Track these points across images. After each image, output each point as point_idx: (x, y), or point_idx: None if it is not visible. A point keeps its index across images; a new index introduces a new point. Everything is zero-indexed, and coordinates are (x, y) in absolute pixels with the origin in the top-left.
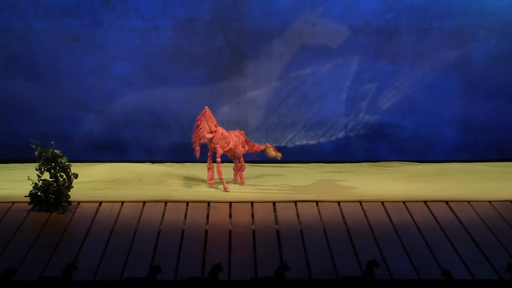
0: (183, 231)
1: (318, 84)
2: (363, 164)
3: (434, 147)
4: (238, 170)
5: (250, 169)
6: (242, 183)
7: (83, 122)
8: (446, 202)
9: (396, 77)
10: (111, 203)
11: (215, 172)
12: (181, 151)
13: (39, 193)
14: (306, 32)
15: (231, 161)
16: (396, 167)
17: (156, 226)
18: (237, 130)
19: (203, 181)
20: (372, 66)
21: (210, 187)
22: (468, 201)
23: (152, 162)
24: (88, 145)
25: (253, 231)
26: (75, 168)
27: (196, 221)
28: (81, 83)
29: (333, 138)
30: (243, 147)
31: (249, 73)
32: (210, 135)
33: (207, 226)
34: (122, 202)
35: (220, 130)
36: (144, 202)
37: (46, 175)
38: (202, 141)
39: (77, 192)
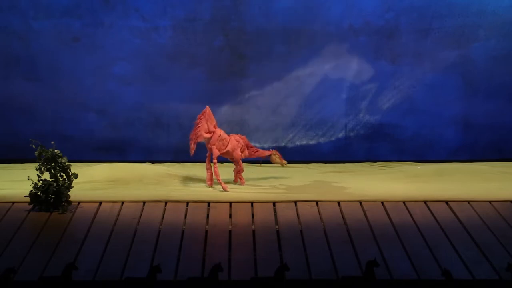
0: (183, 231)
1: (318, 84)
2: (363, 164)
3: (434, 147)
4: (237, 172)
5: (250, 169)
6: (242, 184)
7: (83, 122)
8: (446, 202)
9: (396, 77)
10: (111, 203)
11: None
12: (181, 151)
13: (39, 193)
14: (306, 32)
15: (231, 162)
16: (396, 167)
17: (156, 226)
18: (238, 134)
19: (203, 181)
20: (372, 66)
21: (209, 188)
22: (468, 201)
23: (152, 162)
24: (88, 145)
25: (253, 231)
26: (75, 168)
27: (196, 221)
28: (81, 83)
29: (333, 138)
30: (242, 151)
31: (249, 73)
32: (207, 135)
33: (207, 226)
34: (122, 202)
35: (219, 131)
36: (144, 202)
37: (46, 175)
38: (199, 140)
39: (77, 192)
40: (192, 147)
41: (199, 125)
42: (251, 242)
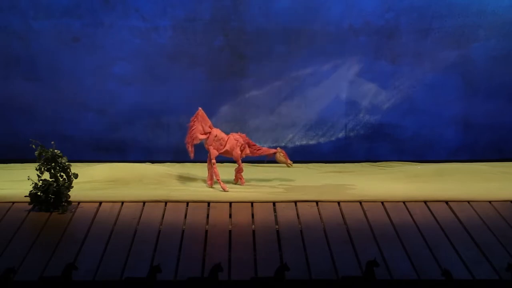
0: (183, 231)
1: (318, 84)
2: (363, 164)
3: (434, 147)
4: (237, 171)
5: (250, 169)
6: (242, 183)
7: (83, 122)
8: (446, 202)
9: (396, 77)
10: (111, 203)
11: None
12: (181, 151)
13: (39, 193)
14: (306, 32)
15: (231, 161)
16: (396, 167)
17: (156, 226)
18: (238, 133)
19: (203, 181)
20: (372, 66)
21: (210, 187)
22: (468, 201)
23: (152, 162)
24: (88, 145)
25: (253, 231)
26: (75, 168)
27: (196, 221)
28: (81, 83)
29: (333, 138)
30: (242, 150)
31: (249, 73)
32: (203, 136)
33: (207, 226)
34: (122, 202)
35: (215, 131)
36: (144, 202)
37: (46, 175)
38: (195, 142)
39: (77, 192)
40: (190, 150)
41: (193, 128)
42: (251, 242)
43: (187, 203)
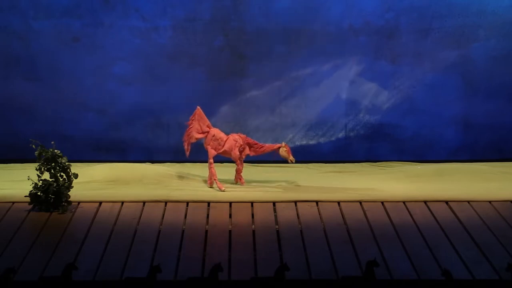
0: (183, 231)
1: (318, 84)
2: (363, 164)
3: (434, 147)
4: (236, 172)
5: (250, 169)
6: (241, 184)
7: (83, 122)
8: (446, 202)
9: (396, 77)
10: (111, 203)
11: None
12: (181, 151)
13: (39, 193)
14: (306, 32)
15: (231, 161)
16: (396, 167)
17: (156, 226)
18: (238, 134)
19: (203, 181)
20: (372, 66)
21: (209, 187)
22: (468, 201)
23: (152, 162)
24: (88, 145)
25: (253, 231)
26: (75, 168)
27: (196, 221)
28: (81, 83)
29: (333, 138)
30: (241, 151)
31: (249, 73)
32: (200, 135)
33: (207, 226)
34: (122, 202)
35: (213, 131)
36: (144, 202)
37: (46, 175)
38: (191, 141)
39: (77, 192)
40: (186, 148)
41: (190, 126)
42: (251, 242)
43: (187, 203)
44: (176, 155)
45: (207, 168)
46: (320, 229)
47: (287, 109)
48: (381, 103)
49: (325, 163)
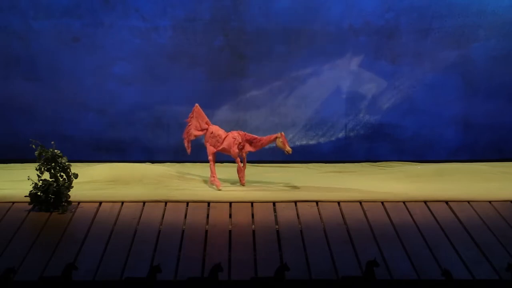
0: (183, 231)
1: (318, 84)
2: (363, 164)
3: (434, 147)
4: (238, 171)
5: (250, 169)
6: (241, 184)
7: (83, 122)
8: (446, 202)
9: (396, 77)
10: (111, 203)
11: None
12: (181, 151)
13: (39, 193)
14: (306, 32)
15: (232, 161)
16: (396, 167)
17: (156, 226)
18: (238, 131)
19: (203, 181)
20: (372, 66)
21: (211, 184)
22: (468, 201)
23: (152, 162)
24: (88, 145)
25: (253, 231)
26: (75, 168)
27: (196, 221)
28: (81, 83)
29: (333, 138)
30: (241, 148)
31: (249, 73)
32: (199, 133)
33: (207, 226)
34: (122, 202)
35: (212, 128)
36: (144, 202)
37: (46, 175)
38: (190, 138)
39: (77, 192)
40: (187, 145)
41: (189, 124)
42: (251, 242)
43: (187, 203)
44: (176, 155)
45: (206, 168)
46: (320, 229)
47: (287, 109)
48: (381, 103)
49: (325, 163)
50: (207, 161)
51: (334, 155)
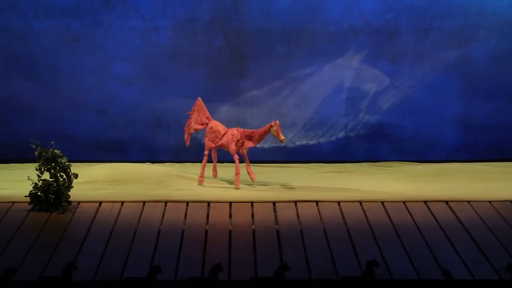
0: (183, 231)
1: (318, 84)
2: (363, 164)
3: (434, 147)
4: (236, 172)
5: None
6: (236, 185)
7: (83, 122)
8: (446, 202)
9: (396, 77)
10: (111, 203)
11: (216, 165)
12: (181, 151)
13: (39, 193)
14: (306, 32)
15: (232, 162)
16: (396, 167)
17: (156, 226)
18: (237, 128)
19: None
20: (372, 66)
21: (215, 179)
22: (468, 201)
23: (152, 162)
24: (88, 145)
25: (253, 231)
26: (75, 168)
27: (196, 221)
28: (81, 83)
29: (333, 138)
30: (240, 145)
31: (249, 73)
32: (199, 126)
33: (207, 226)
34: (122, 202)
35: (211, 123)
36: (144, 202)
37: (46, 175)
38: (190, 131)
39: (77, 192)
40: (186, 138)
41: (191, 117)
42: (251, 242)
43: (187, 203)
44: (176, 155)
45: (211, 166)
46: (320, 229)
47: (287, 109)
48: (381, 103)
49: (325, 163)
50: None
51: (334, 155)
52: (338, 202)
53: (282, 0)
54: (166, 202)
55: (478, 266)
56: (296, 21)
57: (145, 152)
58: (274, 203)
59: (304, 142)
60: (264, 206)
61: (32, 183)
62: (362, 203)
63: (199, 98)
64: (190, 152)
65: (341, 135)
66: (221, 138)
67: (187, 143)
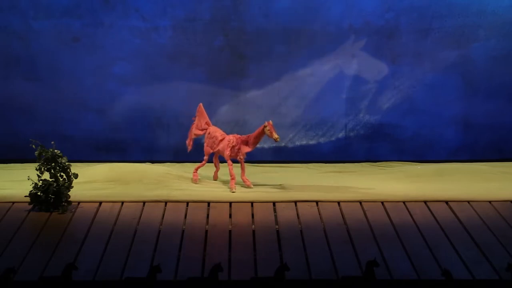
0: (183, 231)
1: (318, 84)
2: (363, 164)
3: (434, 147)
4: (232, 175)
5: (250, 169)
6: (230, 187)
7: (83, 122)
8: (446, 202)
9: (396, 77)
10: (111, 203)
11: (217, 171)
12: (181, 151)
13: (39, 193)
14: (306, 32)
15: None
16: (396, 167)
17: (156, 226)
18: (234, 134)
19: (202, 181)
20: (372, 66)
21: (215, 180)
22: (468, 201)
23: (152, 162)
24: (88, 145)
25: (253, 231)
26: (75, 168)
27: (196, 221)
28: (81, 83)
29: (333, 138)
30: (236, 152)
31: (249, 73)
32: (200, 132)
33: (207, 226)
34: (122, 202)
35: (210, 129)
36: (144, 202)
37: (46, 175)
38: (192, 137)
39: (77, 192)
40: (188, 142)
41: (194, 122)
42: (251, 242)
43: (187, 203)
44: (176, 155)
45: (206, 168)
46: (320, 229)
47: (287, 109)
48: (381, 103)
49: (325, 163)
50: (207, 162)
51: (334, 155)
52: (338, 202)
53: (282, 0)
54: (166, 202)
55: (478, 266)
56: (296, 21)
57: (145, 152)
58: (274, 203)
59: (304, 142)
60: (264, 206)
61: (32, 183)
62: (362, 203)
63: (200, 104)
64: (190, 152)
65: (341, 135)
66: (218, 144)
67: (188, 148)
